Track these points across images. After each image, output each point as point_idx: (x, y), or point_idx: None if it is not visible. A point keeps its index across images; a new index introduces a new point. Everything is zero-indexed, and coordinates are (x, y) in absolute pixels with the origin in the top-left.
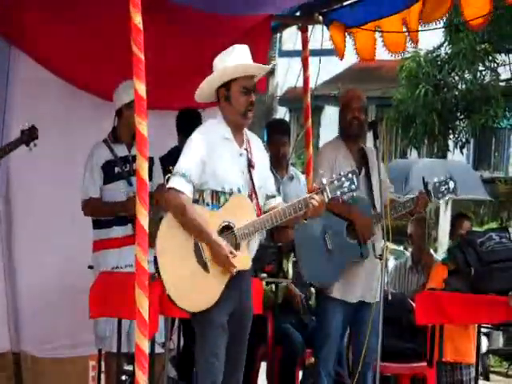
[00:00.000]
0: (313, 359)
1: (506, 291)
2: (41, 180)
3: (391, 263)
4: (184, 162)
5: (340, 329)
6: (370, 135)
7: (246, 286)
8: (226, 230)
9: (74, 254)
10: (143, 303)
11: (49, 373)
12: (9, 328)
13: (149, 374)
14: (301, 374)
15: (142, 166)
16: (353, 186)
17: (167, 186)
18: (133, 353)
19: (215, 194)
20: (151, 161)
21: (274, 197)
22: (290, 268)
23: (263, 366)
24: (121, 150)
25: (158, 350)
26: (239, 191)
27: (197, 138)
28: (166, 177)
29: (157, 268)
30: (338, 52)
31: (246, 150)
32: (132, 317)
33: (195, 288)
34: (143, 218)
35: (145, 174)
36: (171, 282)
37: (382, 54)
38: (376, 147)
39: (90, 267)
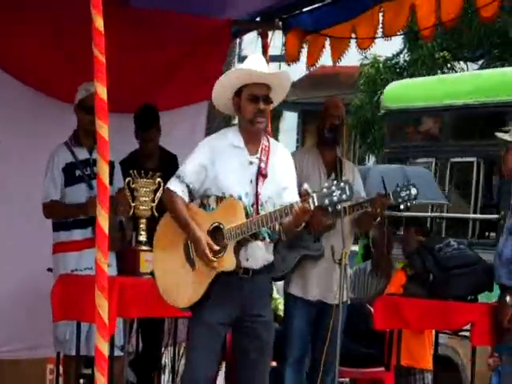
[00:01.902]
0: (274, 363)
1: (464, 297)
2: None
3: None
4: (183, 165)
5: (304, 329)
6: None
7: (250, 294)
8: (216, 230)
9: (33, 257)
10: (103, 307)
11: (6, 375)
12: None
13: (108, 376)
14: None
15: (103, 170)
16: (344, 196)
17: (166, 186)
18: (91, 356)
19: (219, 200)
20: (112, 165)
21: None
22: None
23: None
24: (82, 153)
25: (117, 352)
26: (240, 198)
27: (202, 143)
28: (127, 180)
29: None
30: (289, 57)
31: (259, 158)
32: (91, 320)
33: (181, 284)
34: (103, 221)
35: (106, 178)
36: (160, 276)
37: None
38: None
39: (49, 270)
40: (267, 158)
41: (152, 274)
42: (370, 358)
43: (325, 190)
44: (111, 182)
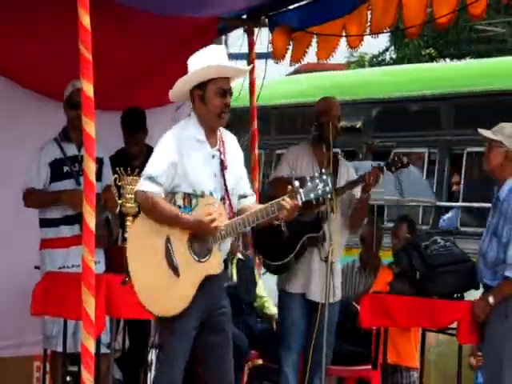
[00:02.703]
0: (260, 361)
1: (450, 295)
2: None
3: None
4: (152, 165)
5: (301, 324)
6: None
7: (218, 290)
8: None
9: (20, 253)
10: (89, 303)
11: None
12: None
13: (94, 374)
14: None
15: (90, 167)
16: (327, 188)
17: (135, 189)
18: (78, 353)
19: (187, 197)
20: (101, 161)
21: (245, 197)
22: (234, 270)
23: None
24: (70, 149)
25: (104, 350)
26: (211, 194)
27: (167, 140)
28: (113, 177)
29: (127, 272)
30: (276, 55)
31: (219, 150)
32: (78, 317)
33: (166, 293)
34: (90, 218)
35: (92, 175)
36: (142, 287)
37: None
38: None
39: (37, 267)
40: (224, 149)
41: (125, 282)
42: (357, 356)
43: (309, 184)
44: (100, 179)
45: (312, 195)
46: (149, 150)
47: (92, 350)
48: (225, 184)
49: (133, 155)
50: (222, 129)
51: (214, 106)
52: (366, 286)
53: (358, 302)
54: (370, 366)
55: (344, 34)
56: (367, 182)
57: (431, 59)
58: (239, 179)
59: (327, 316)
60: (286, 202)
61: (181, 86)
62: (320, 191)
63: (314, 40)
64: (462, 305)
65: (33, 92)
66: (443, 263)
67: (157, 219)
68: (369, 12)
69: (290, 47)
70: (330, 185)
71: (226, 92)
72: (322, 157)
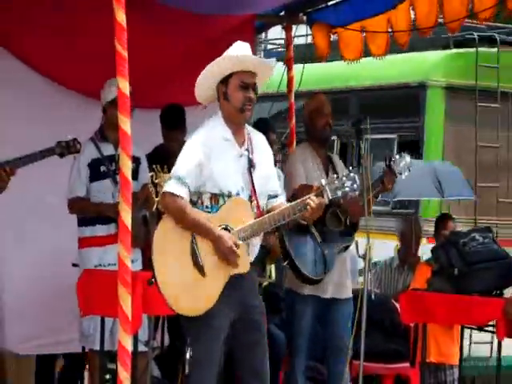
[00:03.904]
0: None
1: (489, 291)
2: (26, 178)
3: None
4: (179, 166)
5: (311, 326)
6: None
7: (248, 290)
8: None
9: (59, 252)
10: (126, 301)
11: (32, 370)
12: None
13: (131, 372)
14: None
15: (126, 165)
16: (355, 186)
17: (163, 190)
18: (116, 351)
19: (214, 197)
20: (137, 160)
21: (275, 196)
22: (272, 269)
23: None
24: (107, 149)
25: (142, 348)
26: (238, 194)
27: (195, 140)
28: (150, 175)
29: (153, 272)
30: (319, 52)
31: (247, 150)
32: (115, 315)
33: (192, 293)
34: (126, 216)
35: (128, 173)
36: (168, 287)
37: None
38: (359, 147)
39: (75, 265)
40: (252, 148)
41: (151, 281)
42: (396, 354)
43: (336, 181)
44: (136, 178)
45: (339, 193)
46: None
47: (129, 347)
48: (252, 183)
49: (171, 152)
50: (249, 128)
51: (236, 100)
52: (404, 284)
53: (396, 300)
54: (408, 364)
55: (390, 29)
56: (387, 187)
57: None
58: (268, 179)
59: (364, 314)
60: (312, 199)
61: (204, 83)
62: (347, 189)
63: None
64: (501, 302)
65: (70, 91)
66: (481, 260)
67: (181, 222)
68: (411, 7)
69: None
70: (358, 182)
71: (249, 86)
72: (322, 156)
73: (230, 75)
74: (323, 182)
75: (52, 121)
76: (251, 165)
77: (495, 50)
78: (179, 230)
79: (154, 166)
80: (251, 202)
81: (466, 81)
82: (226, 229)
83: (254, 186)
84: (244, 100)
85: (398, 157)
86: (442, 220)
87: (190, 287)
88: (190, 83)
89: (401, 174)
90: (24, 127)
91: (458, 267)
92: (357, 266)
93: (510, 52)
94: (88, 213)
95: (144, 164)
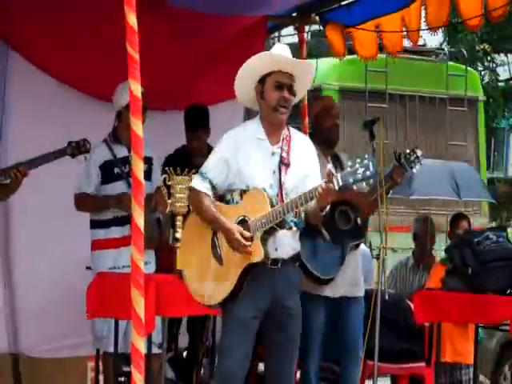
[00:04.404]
0: None
1: (503, 290)
2: (38, 181)
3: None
4: (206, 162)
5: (323, 327)
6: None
7: (281, 289)
8: (242, 223)
9: (72, 255)
10: (139, 303)
11: (47, 374)
12: (7, 329)
13: (146, 374)
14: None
15: (138, 167)
16: (368, 173)
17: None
18: (129, 353)
19: (243, 193)
20: (150, 161)
21: None
22: None
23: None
24: (121, 151)
25: (155, 350)
26: (264, 190)
27: (224, 138)
28: (163, 177)
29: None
30: (336, 52)
31: (281, 148)
32: (129, 317)
33: (210, 282)
34: (139, 218)
35: (140, 175)
36: (190, 277)
37: None
38: (373, 147)
39: (88, 268)
40: (289, 147)
41: (179, 273)
42: (411, 354)
43: (348, 168)
44: (149, 178)
45: (351, 179)
46: (210, 150)
47: (142, 350)
48: (280, 181)
49: (193, 151)
50: (292, 129)
51: (271, 99)
52: (419, 283)
53: (411, 300)
54: (423, 363)
55: (404, 29)
56: (396, 182)
57: (485, 54)
58: (305, 177)
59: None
60: (321, 186)
61: (241, 82)
62: (360, 175)
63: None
64: None
65: (83, 94)
66: (495, 259)
67: (198, 215)
68: (423, 7)
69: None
70: (372, 169)
71: (284, 86)
72: (329, 156)
73: (268, 75)
74: (332, 169)
75: (65, 123)
76: (283, 163)
77: (384, 55)
78: (202, 223)
79: (166, 169)
80: (277, 198)
81: (357, 84)
82: (243, 219)
83: (281, 184)
84: (279, 99)
85: (408, 151)
86: (456, 219)
87: (208, 277)
88: (206, 83)
89: (412, 168)
90: (37, 128)
91: (472, 266)
92: (372, 266)
93: (397, 57)
94: (96, 208)
95: (156, 164)
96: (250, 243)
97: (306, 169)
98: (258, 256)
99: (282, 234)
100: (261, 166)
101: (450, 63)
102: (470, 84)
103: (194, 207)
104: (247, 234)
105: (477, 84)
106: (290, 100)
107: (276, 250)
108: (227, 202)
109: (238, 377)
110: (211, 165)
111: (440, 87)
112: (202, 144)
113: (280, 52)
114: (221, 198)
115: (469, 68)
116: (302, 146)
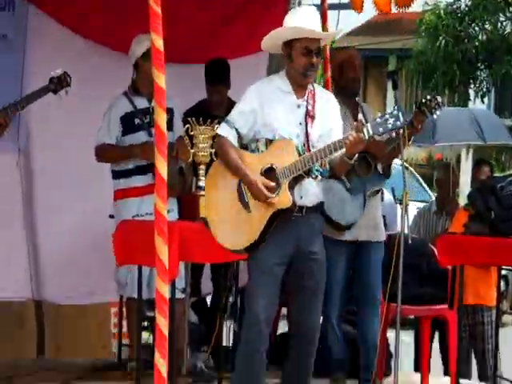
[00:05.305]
0: None
1: None
2: (60, 133)
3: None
4: (233, 111)
5: (345, 272)
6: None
7: (305, 235)
8: (269, 171)
9: (94, 204)
10: (163, 251)
11: (70, 320)
12: (30, 276)
13: (169, 318)
14: None
15: (161, 117)
16: (398, 123)
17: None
18: (153, 299)
19: (269, 143)
20: (171, 111)
21: None
22: None
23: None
24: (141, 102)
25: (179, 295)
26: (291, 139)
27: (251, 90)
28: (185, 127)
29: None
30: (355, 5)
31: (307, 101)
32: (153, 264)
33: (236, 226)
34: (162, 167)
35: (163, 125)
36: (215, 223)
37: None
38: (395, 97)
39: (111, 216)
40: (314, 101)
41: (204, 219)
42: (433, 298)
43: (378, 119)
44: (171, 129)
45: (381, 129)
46: (230, 103)
47: (166, 295)
48: (306, 132)
49: (213, 105)
50: (317, 86)
51: (299, 65)
52: (442, 229)
53: (434, 244)
54: (446, 306)
55: None
56: (417, 128)
57: (507, 5)
58: (329, 130)
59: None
60: (351, 135)
61: (273, 39)
62: (390, 125)
63: None
64: None
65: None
66: None
67: (223, 162)
68: None
69: None
70: (402, 119)
71: (312, 52)
72: (351, 107)
73: (296, 39)
74: (363, 119)
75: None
76: (308, 115)
77: None
78: (228, 172)
79: (189, 119)
80: (304, 148)
81: None
82: (271, 167)
83: (307, 136)
84: (307, 66)
85: (428, 97)
86: (478, 165)
87: (235, 222)
88: (228, 36)
89: (432, 114)
90: None
91: (495, 211)
92: (396, 211)
93: None
94: (116, 158)
95: (177, 115)
96: (273, 195)
97: (330, 122)
98: (285, 202)
99: (308, 182)
100: (287, 117)
101: None
102: None
103: (219, 154)
104: (271, 184)
105: None
106: (318, 64)
107: (301, 197)
108: (252, 151)
109: (265, 321)
110: (238, 114)
111: None
112: (222, 98)
113: (307, 20)
114: (245, 147)
115: None
116: (326, 100)
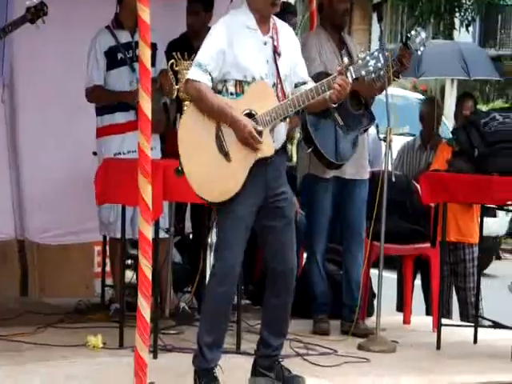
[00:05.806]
0: None
1: (509, 171)
2: (44, 67)
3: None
4: (201, 53)
5: (329, 210)
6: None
7: (273, 177)
8: (248, 117)
9: (77, 141)
10: (146, 190)
11: (54, 259)
12: (13, 216)
13: (152, 259)
14: None
15: (145, 53)
16: (379, 64)
17: (185, 78)
18: (137, 238)
19: (238, 84)
20: (154, 46)
21: (304, 83)
22: (293, 152)
23: None
24: (124, 37)
25: (162, 235)
26: (262, 79)
27: (217, 28)
28: (170, 62)
29: (180, 161)
30: None
31: (272, 37)
32: (136, 203)
33: (217, 178)
34: (146, 104)
35: (147, 61)
36: (194, 174)
37: None
38: (381, 29)
39: (94, 153)
40: (278, 36)
41: (179, 171)
42: (416, 235)
43: (360, 61)
44: (153, 64)
45: (363, 72)
46: None
47: (149, 236)
48: (277, 70)
49: (193, 33)
50: (275, 18)
51: None
52: (426, 163)
53: (417, 181)
54: (428, 244)
55: None
56: (405, 65)
57: None
58: (294, 66)
59: (385, 196)
60: (337, 79)
61: None
62: (371, 67)
63: None
64: None
65: None
66: (502, 140)
67: (202, 109)
68: None
69: None
70: (382, 61)
71: None
72: (336, 39)
73: None
74: (346, 61)
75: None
76: (276, 52)
77: None
78: (204, 118)
79: (173, 54)
80: (276, 88)
81: None
82: (250, 113)
83: (278, 73)
84: None
85: (413, 32)
86: (462, 99)
87: (215, 173)
88: None
89: (417, 50)
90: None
91: (479, 148)
92: (380, 147)
93: None
94: (107, 101)
95: (160, 50)
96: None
97: (294, 57)
98: (268, 151)
99: (280, 126)
100: (255, 55)
101: None
102: None
103: (194, 99)
104: (259, 128)
105: None
106: None
107: (273, 142)
108: (219, 93)
109: (237, 270)
110: (209, 56)
111: None
112: (200, 21)
113: None
114: (213, 89)
115: None
116: (288, 35)
